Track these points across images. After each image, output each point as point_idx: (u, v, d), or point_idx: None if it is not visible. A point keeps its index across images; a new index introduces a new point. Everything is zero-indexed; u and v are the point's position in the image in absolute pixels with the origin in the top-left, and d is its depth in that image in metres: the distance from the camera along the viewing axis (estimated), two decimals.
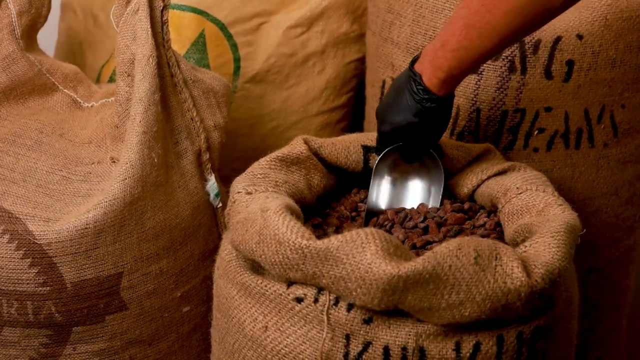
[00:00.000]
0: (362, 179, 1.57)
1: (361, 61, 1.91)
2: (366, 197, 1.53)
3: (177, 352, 1.57)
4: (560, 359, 1.36)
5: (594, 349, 1.79)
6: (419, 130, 1.45)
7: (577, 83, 1.61)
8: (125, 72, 1.52)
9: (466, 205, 1.50)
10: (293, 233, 1.28)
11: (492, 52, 1.37)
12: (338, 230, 1.46)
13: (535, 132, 1.63)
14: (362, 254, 1.24)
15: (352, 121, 1.97)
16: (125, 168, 1.44)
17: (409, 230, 1.46)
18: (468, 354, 1.27)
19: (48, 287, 1.43)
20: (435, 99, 1.42)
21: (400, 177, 1.53)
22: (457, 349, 1.27)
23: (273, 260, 1.30)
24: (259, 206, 1.35)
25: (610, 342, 1.83)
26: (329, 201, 1.55)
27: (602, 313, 1.77)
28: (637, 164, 1.70)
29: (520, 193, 1.43)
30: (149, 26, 1.50)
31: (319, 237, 1.29)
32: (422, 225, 1.47)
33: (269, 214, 1.31)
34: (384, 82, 1.75)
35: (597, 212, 1.69)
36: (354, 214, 1.51)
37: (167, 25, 1.54)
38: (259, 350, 1.34)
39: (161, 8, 1.52)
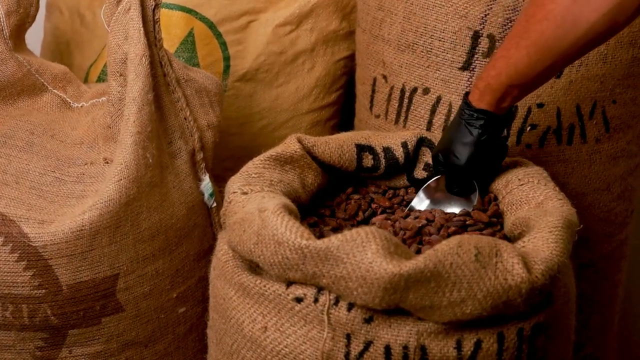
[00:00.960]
0: (355, 178, 1.56)
1: (350, 59, 1.91)
2: (367, 206, 1.52)
3: (173, 353, 1.56)
4: (559, 355, 1.37)
5: (586, 344, 1.79)
6: (459, 149, 1.44)
7: (568, 79, 1.61)
8: (117, 72, 1.50)
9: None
10: (292, 233, 1.28)
11: (529, 66, 1.35)
12: (335, 230, 1.45)
13: (528, 128, 1.63)
14: (362, 253, 1.24)
15: (341, 119, 1.97)
16: (120, 169, 1.43)
17: (384, 220, 1.45)
18: (469, 352, 1.27)
19: (43, 290, 1.42)
20: (473, 110, 1.41)
21: (441, 201, 1.52)
22: (459, 347, 1.27)
23: (272, 260, 1.29)
24: (256, 206, 1.34)
25: (602, 337, 1.84)
26: (322, 199, 1.55)
27: (595, 308, 1.78)
28: (629, 159, 1.71)
29: (522, 185, 1.44)
30: (141, 25, 1.49)
31: (316, 237, 1.29)
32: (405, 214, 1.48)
33: (267, 214, 1.31)
34: (374, 79, 1.74)
35: (590, 208, 1.69)
36: (356, 220, 1.50)
37: (159, 24, 1.53)
38: (259, 350, 1.33)
39: (152, 7, 1.51)
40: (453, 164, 1.45)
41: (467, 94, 1.44)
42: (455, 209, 1.49)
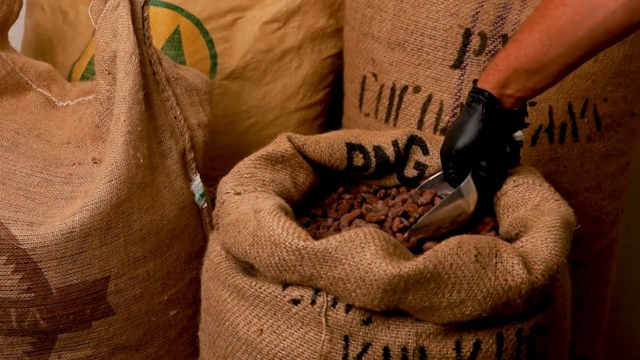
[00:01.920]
0: (346, 177, 1.55)
1: (338, 56, 1.89)
2: (359, 206, 1.50)
3: (164, 356, 1.54)
4: (556, 354, 1.36)
5: (576, 343, 1.79)
6: (456, 131, 1.39)
7: None
8: (106, 70, 1.48)
9: None
10: (289, 234, 1.26)
11: (540, 51, 1.31)
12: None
13: None
14: (361, 254, 1.22)
15: (328, 117, 1.95)
16: (110, 169, 1.40)
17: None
18: (468, 353, 1.26)
19: (33, 293, 1.39)
20: (476, 90, 1.37)
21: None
22: (458, 348, 1.26)
23: (268, 262, 1.27)
24: (251, 207, 1.32)
25: (592, 336, 1.84)
26: (313, 199, 1.53)
27: (585, 306, 1.78)
28: (620, 157, 1.71)
29: (517, 186, 1.43)
30: (130, 23, 1.46)
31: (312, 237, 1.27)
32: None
33: (263, 214, 1.29)
34: (364, 77, 1.73)
35: (581, 206, 1.69)
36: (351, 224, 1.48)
37: (148, 22, 1.50)
38: (254, 353, 1.32)
39: (142, 4, 1.49)
40: (447, 146, 1.41)
41: (475, 80, 1.41)
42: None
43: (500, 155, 1.42)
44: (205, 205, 1.57)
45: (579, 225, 1.37)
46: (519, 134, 1.42)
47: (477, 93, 1.37)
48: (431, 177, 1.50)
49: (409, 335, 1.26)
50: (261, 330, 1.31)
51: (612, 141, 1.68)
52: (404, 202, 1.49)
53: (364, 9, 1.71)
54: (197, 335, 1.47)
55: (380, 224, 1.43)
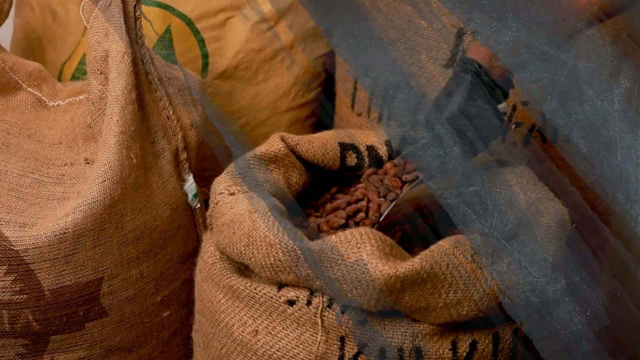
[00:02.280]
0: (339, 177, 1.54)
1: (329, 56, 1.88)
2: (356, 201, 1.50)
3: (157, 358, 1.53)
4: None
5: None
6: (442, 99, 1.37)
7: None
8: (98, 70, 1.47)
9: None
10: (284, 235, 1.26)
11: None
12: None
13: (513, 127, 1.62)
14: (357, 255, 1.22)
15: (320, 117, 1.94)
16: (103, 170, 1.39)
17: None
18: (465, 353, 1.26)
19: (25, 295, 1.38)
20: (467, 60, 1.36)
21: None
22: (454, 348, 1.26)
23: (264, 262, 1.27)
24: (246, 207, 1.32)
25: None
26: (306, 199, 1.53)
27: None
28: None
29: (511, 186, 1.43)
30: (122, 22, 1.45)
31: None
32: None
33: (258, 215, 1.29)
34: (357, 77, 1.72)
35: (574, 206, 1.68)
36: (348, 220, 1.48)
37: (141, 21, 1.49)
38: (249, 355, 1.31)
39: (134, 3, 1.48)
40: (434, 115, 1.40)
41: (465, 50, 1.40)
42: None
43: (485, 127, 1.41)
44: (198, 205, 1.56)
45: (574, 225, 1.37)
46: (503, 106, 1.41)
47: (466, 63, 1.37)
48: (414, 146, 1.49)
49: (405, 335, 1.25)
50: (256, 331, 1.30)
51: None
52: (382, 173, 1.47)
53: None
54: (190, 337, 1.47)
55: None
